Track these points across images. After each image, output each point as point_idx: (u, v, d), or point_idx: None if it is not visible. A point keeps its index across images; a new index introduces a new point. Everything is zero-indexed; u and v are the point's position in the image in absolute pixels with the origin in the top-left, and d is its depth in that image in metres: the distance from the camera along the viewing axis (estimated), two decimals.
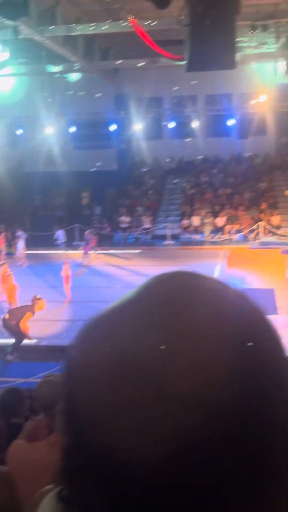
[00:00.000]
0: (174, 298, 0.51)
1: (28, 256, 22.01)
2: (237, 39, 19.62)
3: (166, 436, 0.44)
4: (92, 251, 21.80)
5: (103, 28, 19.38)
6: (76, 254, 21.83)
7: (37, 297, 11.62)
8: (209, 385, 0.45)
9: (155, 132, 29.14)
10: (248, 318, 0.52)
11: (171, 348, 0.46)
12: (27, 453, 2.61)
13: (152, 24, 17.43)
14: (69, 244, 24.01)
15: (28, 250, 22.79)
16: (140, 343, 0.47)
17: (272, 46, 24.09)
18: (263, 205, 25.67)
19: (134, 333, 0.49)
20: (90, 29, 19.24)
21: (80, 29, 19.41)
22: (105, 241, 24.66)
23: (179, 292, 0.52)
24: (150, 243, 25.14)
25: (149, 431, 0.44)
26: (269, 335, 0.52)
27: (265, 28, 18.71)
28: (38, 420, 3.06)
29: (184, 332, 0.47)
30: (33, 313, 11.35)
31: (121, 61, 25.29)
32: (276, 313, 13.60)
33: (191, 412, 0.44)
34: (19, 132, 28.54)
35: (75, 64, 23.83)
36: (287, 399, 0.50)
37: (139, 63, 25.08)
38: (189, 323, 0.48)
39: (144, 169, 29.78)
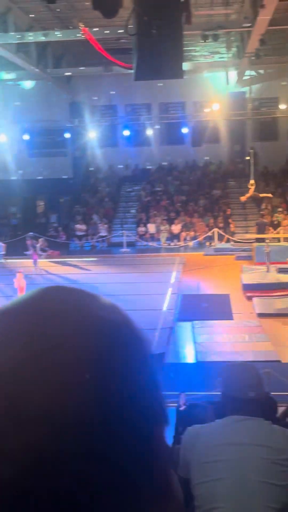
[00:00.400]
0: (38, 314, 0.51)
1: None
2: (186, 48, 19.86)
3: (16, 452, 0.44)
4: (43, 259, 21.66)
5: (55, 35, 19.32)
6: (29, 262, 21.64)
7: None
8: (58, 404, 0.45)
9: (110, 140, 29.16)
10: (111, 340, 0.51)
11: (25, 364, 0.46)
12: None
13: (103, 32, 17.48)
14: (22, 253, 23.64)
15: None
16: None
17: (223, 55, 24.55)
18: (218, 212, 26.01)
19: None
20: (42, 36, 19.14)
21: (32, 37, 19.29)
22: (61, 249, 24.48)
23: (44, 308, 0.52)
24: (107, 250, 25.11)
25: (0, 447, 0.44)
26: (133, 357, 0.51)
27: (216, 37, 18.99)
28: None
29: (40, 349, 0.47)
30: None
31: (74, 68, 25.26)
32: (231, 319, 13.75)
33: (41, 430, 0.44)
34: None
35: (29, 72, 23.66)
36: (142, 422, 0.49)
37: (92, 71, 25.11)
38: (46, 340, 0.48)
39: (100, 177, 29.73)
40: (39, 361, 0.46)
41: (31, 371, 0.46)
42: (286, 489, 2.29)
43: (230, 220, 25.34)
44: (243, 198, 22.50)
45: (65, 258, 23.11)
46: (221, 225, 25.10)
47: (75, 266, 21.72)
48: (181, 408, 4.40)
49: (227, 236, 24.28)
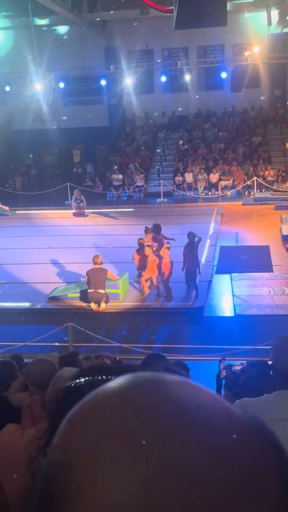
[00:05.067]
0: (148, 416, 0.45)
1: (22, 216, 21.90)
2: None
3: None
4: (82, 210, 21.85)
5: None
6: (68, 213, 21.82)
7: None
8: None
9: (147, 86, 28.47)
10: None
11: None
12: (15, 441, 2.56)
13: None
14: (62, 203, 23.71)
15: (21, 210, 22.82)
16: None
17: None
18: (257, 160, 25.36)
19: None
20: None
21: None
22: (97, 200, 24.43)
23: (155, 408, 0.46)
24: (143, 201, 24.94)
25: None
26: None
27: None
28: (33, 398, 3.00)
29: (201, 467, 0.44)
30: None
31: (109, 12, 24.47)
32: (271, 271, 13.56)
33: None
34: (7, 88, 27.78)
35: (63, 16, 23.03)
36: None
37: (128, 15, 24.31)
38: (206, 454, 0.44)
39: (136, 125, 29.22)
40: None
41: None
42: None
43: (269, 168, 24.70)
44: None
45: (101, 208, 23.03)
46: (260, 173, 24.51)
47: (114, 216, 21.68)
48: (222, 376, 4.36)
49: (262, 184, 23.71)
